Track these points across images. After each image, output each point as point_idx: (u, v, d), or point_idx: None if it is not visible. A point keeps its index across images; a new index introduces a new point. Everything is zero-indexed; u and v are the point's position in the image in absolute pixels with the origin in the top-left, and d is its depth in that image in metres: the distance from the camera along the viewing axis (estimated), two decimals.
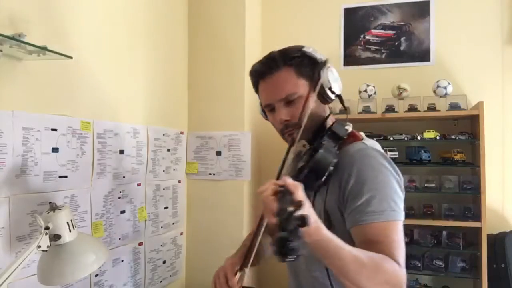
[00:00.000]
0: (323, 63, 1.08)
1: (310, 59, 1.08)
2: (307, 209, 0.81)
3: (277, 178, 1.01)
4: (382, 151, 1.07)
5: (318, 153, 0.96)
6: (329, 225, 1.04)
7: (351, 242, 0.95)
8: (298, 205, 0.76)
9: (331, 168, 0.98)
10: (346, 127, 1.06)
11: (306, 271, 1.14)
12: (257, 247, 1.11)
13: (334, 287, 1.04)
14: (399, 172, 1.05)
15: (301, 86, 1.07)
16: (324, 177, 0.98)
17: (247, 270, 1.07)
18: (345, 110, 1.19)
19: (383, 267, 0.90)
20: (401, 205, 1.01)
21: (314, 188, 0.96)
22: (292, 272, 1.23)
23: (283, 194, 0.80)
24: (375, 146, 1.08)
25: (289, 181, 0.83)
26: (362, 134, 1.14)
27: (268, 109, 1.14)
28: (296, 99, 1.07)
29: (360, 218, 0.97)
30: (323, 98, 1.10)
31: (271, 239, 0.72)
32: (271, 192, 0.83)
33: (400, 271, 0.92)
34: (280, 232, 0.71)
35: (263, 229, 1.00)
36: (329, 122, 1.14)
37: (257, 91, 1.18)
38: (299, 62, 1.08)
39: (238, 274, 1.08)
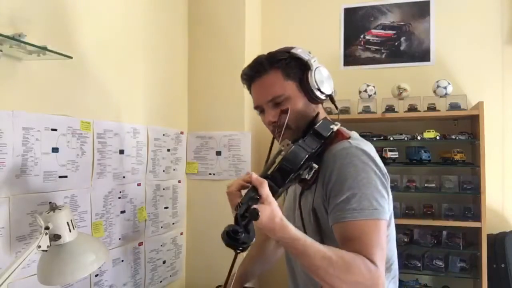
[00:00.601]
0: (310, 65, 1.09)
1: (297, 60, 1.10)
2: (268, 205, 0.84)
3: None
4: (369, 150, 1.05)
5: (289, 151, 0.97)
6: (317, 224, 1.05)
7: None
8: (256, 200, 0.81)
9: (301, 165, 0.97)
10: (332, 126, 1.06)
11: (301, 270, 1.15)
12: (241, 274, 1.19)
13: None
14: (385, 172, 1.04)
15: (289, 88, 1.10)
16: (292, 174, 0.96)
17: None
18: (336, 109, 1.21)
19: (354, 266, 0.89)
20: (385, 205, 0.99)
21: (284, 185, 0.95)
22: (289, 271, 1.24)
23: (249, 190, 0.84)
24: (360, 145, 1.06)
25: (254, 177, 0.87)
26: (353, 133, 1.13)
27: (258, 111, 1.18)
28: (284, 100, 1.09)
29: (340, 215, 0.97)
30: (312, 98, 1.11)
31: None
32: (236, 187, 0.88)
33: (375, 272, 0.90)
34: (229, 225, 0.78)
35: (235, 260, 0.97)
36: (319, 122, 1.14)
37: (250, 93, 1.21)
38: (286, 64, 1.10)
39: None
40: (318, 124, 1.06)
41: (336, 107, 1.20)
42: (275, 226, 0.87)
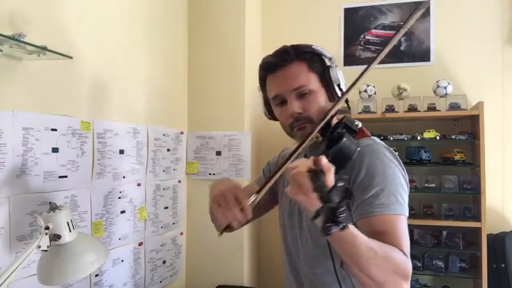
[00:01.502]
0: (332, 61, 1.10)
1: (319, 56, 1.10)
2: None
3: (285, 161, 0.99)
4: (389, 147, 1.10)
5: (342, 141, 0.95)
6: None
7: None
8: (337, 181, 0.78)
9: (353, 157, 0.97)
10: (356, 123, 1.06)
11: (307, 268, 1.14)
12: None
13: (340, 283, 1.05)
14: (404, 168, 1.07)
15: (312, 80, 1.08)
16: (344, 167, 0.97)
17: (259, 198, 0.98)
18: (348, 108, 1.20)
19: (392, 256, 0.91)
20: (407, 201, 1.03)
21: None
22: (292, 268, 1.22)
23: (316, 173, 0.80)
24: (382, 143, 1.11)
25: (325, 161, 0.82)
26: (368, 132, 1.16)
27: (276, 102, 1.13)
28: (308, 93, 1.08)
29: (368, 210, 0.98)
30: (331, 95, 1.11)
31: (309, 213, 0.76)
32: (305, 169, 0.82)
33: (407, 262, 0.94)
34: (327, 204, 0.73)
35: (291, 160, 0.95)
36: (334, 119, 1.14)
37: (263, 85, 1.18)
38: (311, 57, 1.09)
39: (253, 196, 0.98)
40: (346, 119, 1.06)
41: (349, 107, 1.20)
42: None
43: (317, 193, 0.77)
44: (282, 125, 1.15)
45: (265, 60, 1.14)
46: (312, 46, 1.11)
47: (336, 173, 0.86)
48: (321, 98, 1.09)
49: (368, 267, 0.89)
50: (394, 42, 0.98)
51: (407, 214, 1.01)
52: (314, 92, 1.08)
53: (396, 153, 1.10)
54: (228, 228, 0.98)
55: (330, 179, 0.81)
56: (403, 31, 0.98)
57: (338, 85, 1.10)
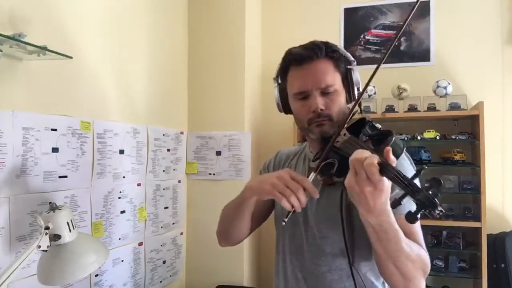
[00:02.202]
0: (355, 63, 1.11)
1: (343, 56, 1.11)
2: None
3: (314, 169, 0.97)
4: None
5: (394, 139, 0.92)
6: (349, 220, 1.05)
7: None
8: (419, 172, 0.80)
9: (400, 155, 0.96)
10: (376, 124, 1.06)
11: (311, 266, 1.12)
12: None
13: (355, 280, 1.05)
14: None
15: (337, 80, 1.09)
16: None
17: (315, 175, 0.95)
18: (361, 112, 1.19)
19: (421, 254, 0.96)
20: None
21: None
22: (297, 268, 1.17)
23: (383, 165, 0.79)
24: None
25: (392, 156, 0.81)
26: None
27: (299, 96, 1.10)
28: (333, 91, 1.08)
29: (399, 209, 0.98)
30: (350, 96, 1.12)
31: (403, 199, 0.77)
32: (376, 160, 0.80)
33: (428, 259, 0.99)
34: (417, 192, 0.76)
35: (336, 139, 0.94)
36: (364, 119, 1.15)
37: (283, 76, 1.15)
38: (338, 56, 1.09)
39: (312, 175, 0.94)
40: (369, 120, 1.05)
41: (360, 109, 1.18)
42: (388, 208, 0.86)
43: (397, 181, 0.78)
44: (299, 119, 1.13)
45: (293, 51, 1.11)
46: (338, 46, 1.12)
47: None
48: (342, 99, 1.09)
49: (405, 264, 0.92)
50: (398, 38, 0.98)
51: None
52: (338, 92, 1.08)
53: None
54: (293, 212, 0.93)
55: (394, 172, 0.80)
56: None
57: (358, 88, 1.11)
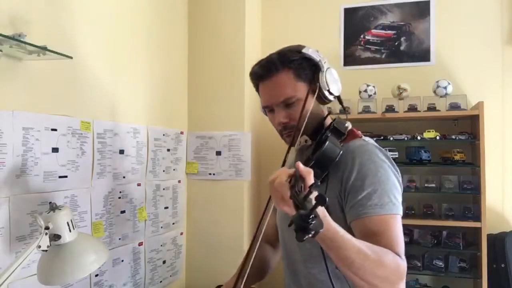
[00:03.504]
0: (321, 66, 1.09)
1: (309, 60, 1.09)
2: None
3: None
4: (380, 148, 1.11)
5: (325, 145, 0.98)
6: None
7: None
8: (311, 187, 0.76)
9: (337, 160, 0.99)
10: (346, 125, 1.09)
11: (304, 268, 1.14)
12: (256, 263, 1.11)
13: (333, 283, 1.04)
14: (397, 168, 1.08)
15: (300, 89, 1.09)
16: (328, 169, 1.00)
17: None
18: (344, 110, 1.22)
19: (386, 261, 0.90)
20: (400, 200, 1.03)
21: (317, 179, 0.94)
22: (290, 271, 1.22)
23: (296, 179, 0.81)
24: (374, 143, 1.11)
25: (302, 167, 0.84)
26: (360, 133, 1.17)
27: (267, 110, 1.16)
28: (295, 102, 1.09)
29: (361, 211, 0.98)
30: (321, 99, 1.12)
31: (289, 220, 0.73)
32: (285, 177, 0.83)
33: (401, 265, 0.93)
34: (299, 211, 0.72)
35: (257, 246, 0.98)
36: (328, 121, 1.17)
37: (257, 91, 1.19)
38: (298, 65, 1.09)
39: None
40: (335, 122, 1.09)
41: (344, 108, 1.22)
42: (321, 215, 0.84)
43: (292, 200, 0.77)
44: (275, 128, 1.17)
45: (252, 70, 1.16)
46: (303, 50, 1.10)
47: (320, 176, 0.88)
48: (309, 105, 1.08)
49: (362, 271, 0.88)
50: None
51: (401, 213, 1.01)
52: (302, 100, 1.08)
53: (393, 154, 1.11)
54: None
55: (308, 184, 0.81)
56: None
57: (328, 90, 1.10)
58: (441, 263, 2.35)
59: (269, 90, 1.11)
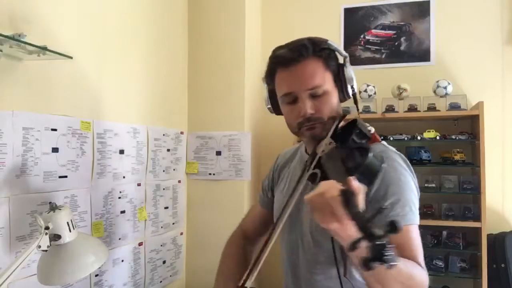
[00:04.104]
0: (347, 60, 1.05)
1: (334, 53, 1.05)
2: None
3: (300, 178, 0.96)
4: (399, 153, 1.06)
5: (368, 157, 0.87)
6: None
7: None
8: (381, 209, 0.71)
9: (379, 173, 0.89)
10: (369, 128, 1.01)
11: (307, 274, 1.11)
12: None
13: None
14: (414, 173, 1.04)
15: (327, 80, 1.03)
16: (371, 185, 0.92)
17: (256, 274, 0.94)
18: (358, 110, 1.16)
19: (414, 273, 0.90)
20: (418, 207, 1.01)
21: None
22: (291, 275, 1.18)
23: (347, 196, 0.73)
24: (394, 149, 1.07)
25: (356, 183, 0.75)
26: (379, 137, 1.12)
27: (287, 100, 1.05)
28: (323, 93, 1.02)
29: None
30: (343, 95, 1.06)
31: (349, 246, 0.67)
32: (336, 192, 0.74)
33: (425, 275, 0.92)
34: (375, 239, 0.65)
35: (271, 243, 0.93)
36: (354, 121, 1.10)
37: (271, 78, 1.09)
38: (327, 54, 1.03)
39: (249, 282, 0.94)
40: (360, 124, 0.99)
41: (358, 108, 1.16)
42: None
43: (355, 221, 0.70)
44: (289, 122, 1.09)
45: (278, 53, 1.05)
46: (328, 41, 1.05)
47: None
48: (334, 99, 1.04)
49: (393, 286, 0.86)
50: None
51: (418, 222, 0.99)
52: (329, 92, 1.02)
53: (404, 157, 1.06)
54: None
55: (361, 201, 0.74)
56: None
57: (352, 86, 1.05)
58: (441, 263, 2.35)
59: (296, 76, 1.01)
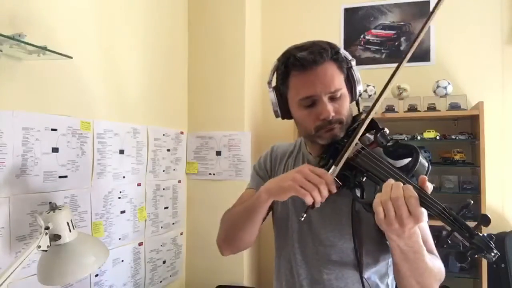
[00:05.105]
0: (353, 62, 1.09)
1: (344, 57, 1.07)
2: None
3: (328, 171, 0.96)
4: None
5: (420, 158, 0.90)
6: (359, 224, 1.03)
7: (378, 237, 1.02)
8: (468, 204, 0.80)
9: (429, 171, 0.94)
10: (385, 129, 1.03)
11: (317, 273, 1.09)
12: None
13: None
14: None
15: (342, 82, 1.05)
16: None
17: (338, 169, 0.93)
18: (358, 111, 1.17)
19: (438, 266, 0.98)
20: None
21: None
22: (297, 275, 1.14)
23: (424, 199, 0.81)
24: None
25: (428, 184, 0.85)
26: None
27: (306, 103, 1.03)
28: (340, 96, 1.04)
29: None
30: (353, 96, 1.10)
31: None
32: (414, 192, 0.82)
33: (443, 267, 1.01)
34: (470, 231, 0.77)
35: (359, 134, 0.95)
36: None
37: (283, 81, 1.08)
38: (341, 58, 1.05)
39: (332, 169, 0.93)
40: (381, 127, 1.03)
41: (359, 109, 1.17)
42: (417, 228, 0.87)
43: (442, 215, 0.79)
44: (304, 126, 1.07)
45: (296, 55, 1.02)
46: (337, 46, 1.08)
47: None
48: (348, 101, 1.07)
49: (428, 278, 0.94)
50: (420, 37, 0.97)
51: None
52: (345, 95, 1.05)
53: None
54: (312, 207, 0.93)
55: (416, 202, 0.82)
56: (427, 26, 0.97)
57: (359, 89, 1.10)
58: None
59: (317, 78, 1.00)
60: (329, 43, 1.06)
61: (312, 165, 0.97)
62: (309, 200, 0.91)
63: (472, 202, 0.85)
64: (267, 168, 1.28)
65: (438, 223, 0.84)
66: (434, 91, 2.37)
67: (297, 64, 1.02)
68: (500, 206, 2.44)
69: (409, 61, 0.99)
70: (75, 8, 1.57)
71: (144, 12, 2.05)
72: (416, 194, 0.81)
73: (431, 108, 2.38)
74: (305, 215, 0.94)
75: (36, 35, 1.30)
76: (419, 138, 2.36)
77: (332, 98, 1.02)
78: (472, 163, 2.37)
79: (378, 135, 0.97)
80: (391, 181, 0.85)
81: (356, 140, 0.95)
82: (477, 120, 2.23)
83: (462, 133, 2.37)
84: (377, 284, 1.07)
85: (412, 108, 2.41)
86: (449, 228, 0.79)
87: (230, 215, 1.22)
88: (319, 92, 1.01)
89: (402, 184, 0.84)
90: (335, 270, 1.07)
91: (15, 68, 1.31)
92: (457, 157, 2.33)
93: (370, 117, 0.97)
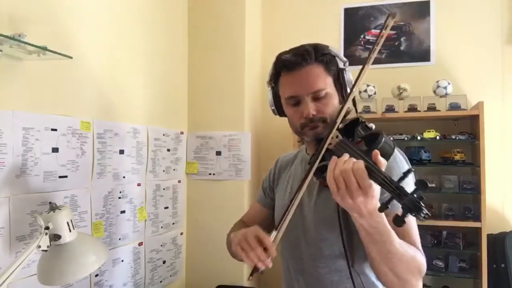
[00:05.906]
0: (346, 64, 1.12)
1: (334, 58, 1.11)
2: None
3: (309, 168, 0.99)
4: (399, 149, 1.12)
5: (383, 140, 0.93)
6: (348, 221, 1.04)
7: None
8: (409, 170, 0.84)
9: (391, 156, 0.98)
10: (370, 124, 1.06)
11: (312, 268, 1.13)
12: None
13: (353, 281, 1.05)
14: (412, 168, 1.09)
15: (328, 83, 1.09)
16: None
17: (280, 234, 0.98)
18: (356, 112, 1.19)
19: (416, 256, 0.98)
20: None
21: None
22: (294, 271, 1.20)
23: (371, 169, 0.83)
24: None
25: (379, 156, 0.86)
26: None
27: (291, 102, 1.12)
28: (324, 95, 1.08)
29: (389, 210, 0.98)
30: (342, 97, 1.13)
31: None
32: (362, 164, 0.84)
33: (424, 260, 1.01)
34: (408, 195, 0.80)
35: (301, 193, 0.97)
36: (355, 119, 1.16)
37: (275, 81, 1.16)
38: (328, 60, 1.09)
39: (274, 233, 0.98)
40: (363, 119, 1.05)
41: (356, 110, 1.19)
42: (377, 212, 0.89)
43: (384, 184, 0.80)
44: (292, 123, 1.15)
45: (282, 58, 1.11)
46: (329, 47, 1.12)
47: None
48: (335, 101, 1.10)
49: (399, 265, 0.94)
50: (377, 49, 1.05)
51: None
52: (330, 95, 1.09)
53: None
54: (255, 270, 0.97)
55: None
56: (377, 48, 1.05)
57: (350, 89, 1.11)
58: (441, 263, 2.35)
59: (300, 80, 1.09)
60: (316, 46, 1.11)
61: (264, 226, 1.04)
62: (248, 262, 0.97)
63: (412, 170, 0.89)
64: (271, 179, 1.36)
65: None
66: (434, 91, 2.37)
67: (283, 66, 1.11)
68: (500, 206, 2.44)
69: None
70: (75, 8, 1.57)
71: (144, 12, 2.05)
72: (363, 166, 0.84)
73: (431, 108, 2.38)
74: (250, 277, 1.01)
75: (36, 35, 1.30)
76: (419, 138, 2.36)
77: (316, 98, 1.08)
78: (472, 163, 2.37)
79: (358, 127, 1.01)
80: (348, 159, 0.89)
81: (333, 133, 0.99)
82: (477, 120, 2.23)
83: (462, 133, 2.37)
84: (373, 282, 1.08)
85: (412, 108, 2.41)
86: (390, 196, 0.82)
87: (229, 241, 1.22)
88: (301, 92, 1.08)
89: (348, 157, 0.88)
90: (328, 263, 1.10)
91: (15, 68, 1.31)
92: (457, 157, 2.33)
93: (343, 111, 1.01)
